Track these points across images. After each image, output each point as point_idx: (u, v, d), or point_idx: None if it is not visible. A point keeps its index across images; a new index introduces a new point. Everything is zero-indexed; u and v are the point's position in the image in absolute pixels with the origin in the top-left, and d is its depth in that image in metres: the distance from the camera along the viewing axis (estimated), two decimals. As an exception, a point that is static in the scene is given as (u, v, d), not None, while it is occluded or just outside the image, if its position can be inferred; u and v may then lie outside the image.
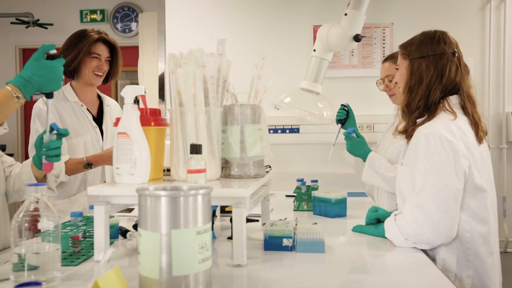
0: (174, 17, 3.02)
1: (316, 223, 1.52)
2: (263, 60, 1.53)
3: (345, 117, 2.30)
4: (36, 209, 1.02)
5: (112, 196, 1.24)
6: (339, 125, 2.31)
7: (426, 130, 1.37)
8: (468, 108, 1.45)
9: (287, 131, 2.95)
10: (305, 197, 2.10)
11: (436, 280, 1.12)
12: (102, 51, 2.10)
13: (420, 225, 1.32)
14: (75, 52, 2.03)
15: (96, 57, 2.07)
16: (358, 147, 2.09)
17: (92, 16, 4.65)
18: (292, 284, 1.10)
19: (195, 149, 1.19)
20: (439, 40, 1.47)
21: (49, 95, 1.27)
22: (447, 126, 1.36)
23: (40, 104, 2.00)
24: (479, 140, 1.44)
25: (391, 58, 2.17)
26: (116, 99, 3.09)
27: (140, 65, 3.43)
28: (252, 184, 1.28)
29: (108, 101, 2.26)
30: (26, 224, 1.01)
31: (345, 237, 1.56)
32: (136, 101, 1.29)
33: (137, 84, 4.83)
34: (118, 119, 1.38)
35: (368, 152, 2.06)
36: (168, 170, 1.52)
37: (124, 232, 1.51)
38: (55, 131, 1.32)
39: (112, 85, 4.69)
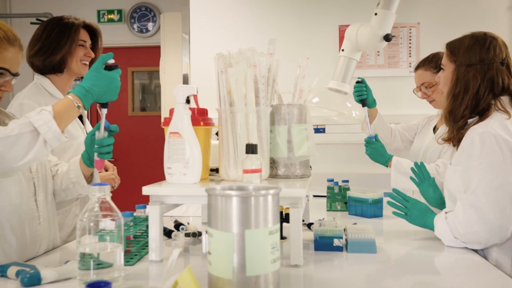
0: (198, 16, 3.02)
1: (356, 223, 1.52)
2: (307, 60, 1.53)
3: (366, 96, 2.27)
4: (100, 209, 1.02)
5: (165, 196, 1.24)
6: (365, 107, 2.27)
7: (480, 129, 1.35)
8: None
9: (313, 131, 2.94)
10: (339, 197, 2.09)
11: (494, 281, 1.11)
12: (86, 37, 1.92)
13: (473, 224, 1.30)
14: (62, 42, 1.83)
15: (82, 44, 1.90)
16: (380, 153, 2.08)
17: (109, 16, 4.65)
18: (349, 285, 1.09)
19: (251, 149, 1.19)
20: (489, 47, 1.41)
21: (105, 105, 1.27)
22: (502, 125, 1.34)
23: (25, 99, 1.78)
24: None
25: (422, 65, 2.16)
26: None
27: (162, 65, 3.43)
28: (306, 184, 1.28)
29: None
30: (92, 224, 1.01)
31: (390, 237, 1.55)
32: (188, 100, 1.29)
33: (158, 83, 4.84)
34: (166, 119, 1.38)
35: (390, 157, 2.05)
36: (212, 170, 1.53)
37: (168, 232, 1.51)
38: (105, 128, 1.32)
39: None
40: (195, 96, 1.31)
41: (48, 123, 1.11)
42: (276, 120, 1.43)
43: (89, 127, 2.01)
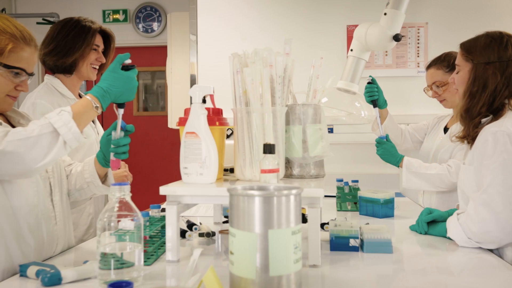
0: (206, 17, 3.02)
1: (368, 223, 1.52)
2: (321, 60, 1.53)
3: (377, 96, 2.25)
4: (119, 209, 1.02)
5: (182, 196, 1.24)
6: (376, 108, 2.26)
7: (494, 129, 1.35)
8: None
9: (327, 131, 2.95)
10: (349, 197, 2.09)
11: (510, 281, 1.11)
12: (100, 42, 1.94)
13: (486, 223, 1.30)
14: (77, 45, 1.84)
15: (95, 49, 1.91)
16: (391, 153, 2.08)
17: (114, 16, 4.66)
18: (369, 285, 1.09)
19: (269, 148, 1.19)
20: (506, 45, 1.42)
21: (121, 105, 1.27)
22: None
23: (38, 99, 1.79)
24: None
25: (434, 64, 2.15)
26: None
27: (168, 65, 3.43)
28: (322, 184, 1.28)
29: None
30: (112, 224, 1.01)
31: (403, 237, 1.55)
32: (204, 100, 1.29)
33: (160, 83, 4.84)
34: (181, 119, 1.38)
35: (401, 157, 2.05)
36: (225, 170, 1.53)
37: (182, 232, 1.51)
38: (121, 128, 1.32)
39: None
40: (211, 96, 1.31)
41: (67, 124, 1.11)
42: (291, 120, 1.43)
43: (99, 126, 2.02)
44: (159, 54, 4.61)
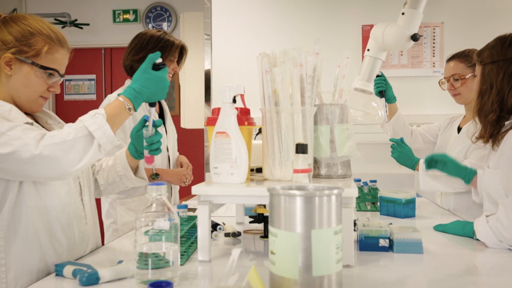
0: (220, 16, 3.02)
1: (391, 223, 1.52)
2: (347, 60, 1.52)
3: (385, 87, 2.28)
4: (156, 209, 1.02)
5: (214, 196, 1.23)
6: (383, 98, 2.29)
7: None
8: None
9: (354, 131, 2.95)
10: (369, 197, 2.09)
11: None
12: (177, 54, 2.17)
13: None
14: (162, 56, 2.05)
15: (173, 60, 2.14)
16: (407, 156, 2.07)
17: (125, 16, 4.66)
18: (403, 285, 1.09)
19: (301, 148, 1.19)
20: (510, 43, 1.46)
21: (152, 104, 1.29)
22: None
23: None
24: None
25: (457, 56, 2.13)
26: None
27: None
28: (351, 184, 1.28)
29: (163, 102, 2.29)
30: (148, 223, 1.00)
31: (427, 237, 1.54)
32: (234, 100, 1.29)
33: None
34: (209, 119, 1.38)
35: (417, 160, 2.04)
36: (251, 170, 1.52)
37: (208, 232, 1.51)
38: (147, 123, 1.33)
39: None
40: (241, 96, 1.30)
41: (102, 127, 1.11)
42: (318, 120, 1.43)
43: (169, 124, 2.22)
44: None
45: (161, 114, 2.24)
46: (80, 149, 1.08)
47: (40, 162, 1.05)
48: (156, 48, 2.04)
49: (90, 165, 1.46)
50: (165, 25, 4.67)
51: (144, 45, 2.07)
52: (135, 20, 4.67)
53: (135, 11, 4.66)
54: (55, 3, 4.59)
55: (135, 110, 1.20)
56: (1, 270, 1.14)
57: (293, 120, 1.31)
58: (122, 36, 4.70)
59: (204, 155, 3.05)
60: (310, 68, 1.33)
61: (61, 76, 1.26)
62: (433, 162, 1.80)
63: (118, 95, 1.19)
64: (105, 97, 4.70)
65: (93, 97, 4.80)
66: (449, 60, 2.17)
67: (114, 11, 4.67)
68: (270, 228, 0.93)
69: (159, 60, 1.24)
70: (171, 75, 2.16)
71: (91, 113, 1.13)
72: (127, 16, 4.67)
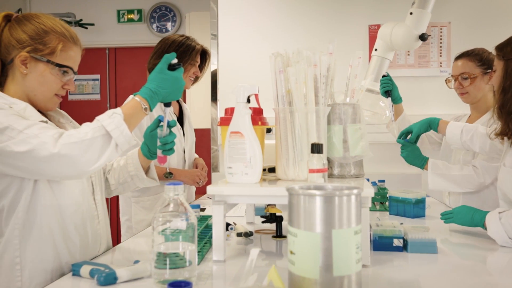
0: (226, 16, 3.02)
1: (402, 223, 1.51)
2: (359, 59, 1.52)
3: (391, 87, 2.27)
4: (173, 209, 1.02)
5: (229, 196, 1.23)
6: (389, 98, 2.28)
7: None
8: None
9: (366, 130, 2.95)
10: (378, 197, 2.09)
11: None
12: (198, 58, 2.20)
13: None
14: (183, 60, 2.11)
15: (194, 64, 2.17)
16: (416, 155, 2.04)
17: (129, 16, 4.66)
18: (419, 285, 1.09)
19: (317, 148, 1.18)
20: None
21: (168, 104, 1.29)
22: None
23: None
24: None
25: (466, 55, 2.11)
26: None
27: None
28: (365, 184, 1.27)
29: (185, 103, 2.32)
30: (168, 223, 1.00)
31: (443, 237, 1.54)
32: (248, 100, 1.29)
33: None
34: (223, 118, 1.38)
35: (426, 159, 2.03)
36: (263, 169, 1.52)
37: (220, 232, 1.51)
38: (162, 123, 1.33)
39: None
40: (256, 96, 1.30)
41: (120, 127, 1.11)
42: (331, 119, 1.43)
43: (188, 126, 2.26)
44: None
45: (181, 117, 2.26)
46: (98, 148, 1.08)
47: (58, 161, 1.05)
48: (177, 53, 2.03)
49: (101, 171, 1.46)
50: (169, 25, 4.67)
51: (165, 50, 2.11)
52: (140, 20, 4.67)
53: (139, 11, 4.66)
54: (60, 3, 4.59)
55: (151, 110, 1.20)
56: (16, 268, 1.14)
57: (307, 120, 1.31)
58: (127, 36, 4.71)
59: (210, 155, 3.05)
60: (324, 67, 1.33)
61: (75, 73, 1.26)
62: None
63: (134, 95, 1.19)
64: (109, 97, 4.75)
65: (97, 97, 4.80)
66: (457, 58, 2.14)
67: (118, 11, 4.67)
68: (290, 228, 0.93)
69: (175, 61, 1.24)
70: (192, 79, 2.19)
71: (109, 112, 1.13)
72: (131, 16, 4.67)
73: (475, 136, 1.75)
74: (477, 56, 2.07)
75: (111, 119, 1.11)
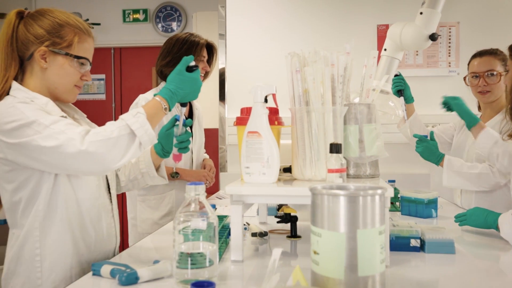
0: (234, 16, 3.02)
1: (416, 223, 1.51)
2: (374, 59, 1.52)
3: (404, 86, 2.23)
4: (194, 208, 1.02)
5: (247, 196, 1.23)
6: (401, 97, 2.24)
7: None
8: None
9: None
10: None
11: None
12: (205, 53, 2.20)
13: None
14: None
15: (202, 60, 2.17)
16: (432, 151, 2.01)
17: (134, 16, 4.66)
18: (438, 285, 1.08)
19: (336, 148, 1.18)
20: None
21: (184, 104, 1.32)
22: None
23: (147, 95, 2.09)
24: None
25: (490, 53, 2.05)
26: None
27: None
28: (383, 183, 1.27)
29: (196, 103, 2.31)
30: (189, 223, 1.00)
31: (458, 238, 1.53)
32: (266, 99, 1.29)
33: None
34: (239, 118, 1.38)
35: (442, 156, 2.01)
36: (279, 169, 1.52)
37: (234, 232, 1.50)
38: (178, 122, 1.37)
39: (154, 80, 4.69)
40: (273, 95, 1.30)
41: (144, 126, 1.13)
42: (347, 119, 1.42)
43: (197, 126, 2.28)
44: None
45: (190, 117, 2.27)
46: (123, 146, 1.10)
47: (85, 158, 1.07)
48: (182, 50, 2.09)
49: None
50: (175, 25, 4.68)
51: (170, 49, 2.11)
52: (145, 20, 4.67)
53: (145, 11, 4.66)
54: (65, 3, 4.59)
55: (170, 110, 1.22)
56: (36, 259, 1.17)
57: (324, 120, 1.31)
58: (132, 35, 4.71)
59: (218, 155, 3.05)
60: (342, 67, 1.32)
61: (90, 64, 1.29)
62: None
63: (155, 95, 1.21)
64: (114, 97, 4.75)
65: (103, 97, 4.80)
66: (478, 56, 2.09)
67: (124, 11, 4.67)
68: (313, 228, 0.93)
69: (193, 63, 1.27)
70: (202, 75, 2.18)
71: (133, 112, 1.15)
72: (137, 15, 4.67)
73: (506, 154, 1.77)
74: (500, 56, 2.04)
75: (135, 118, 1.13)
